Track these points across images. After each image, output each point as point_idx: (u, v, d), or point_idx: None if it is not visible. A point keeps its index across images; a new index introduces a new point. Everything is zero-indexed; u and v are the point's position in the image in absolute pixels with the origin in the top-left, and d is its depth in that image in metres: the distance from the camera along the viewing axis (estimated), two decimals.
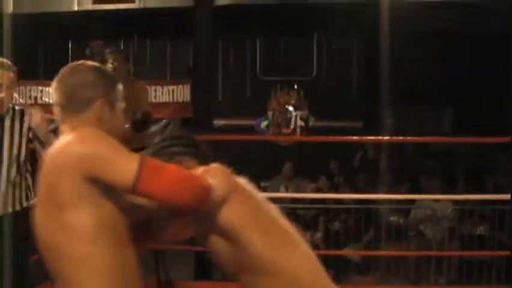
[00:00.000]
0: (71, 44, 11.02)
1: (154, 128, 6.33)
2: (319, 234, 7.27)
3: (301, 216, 7.32)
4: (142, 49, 10.94)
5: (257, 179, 7.93)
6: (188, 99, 8.76)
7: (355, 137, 6.99)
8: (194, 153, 2.24)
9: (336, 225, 7.33)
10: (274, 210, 2.22)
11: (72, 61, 2.13)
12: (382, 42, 8.33)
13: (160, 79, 9.62)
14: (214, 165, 2.14)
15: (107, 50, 5.01)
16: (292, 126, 8.94)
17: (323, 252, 6.28)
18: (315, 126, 9.02)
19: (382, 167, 7.97)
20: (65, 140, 1.94)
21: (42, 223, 1.92)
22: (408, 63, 9.79)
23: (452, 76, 9.72)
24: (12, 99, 3.63)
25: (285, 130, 8.91)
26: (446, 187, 7.46)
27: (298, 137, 8.86)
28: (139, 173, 1.85)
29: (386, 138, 8.11)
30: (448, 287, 6.70)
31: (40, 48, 11.14)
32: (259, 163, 8.11)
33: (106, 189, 1.89)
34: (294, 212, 7.23)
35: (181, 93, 8.86)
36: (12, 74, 3.54)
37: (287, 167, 8.14)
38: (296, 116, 9.02)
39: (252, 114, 9.28)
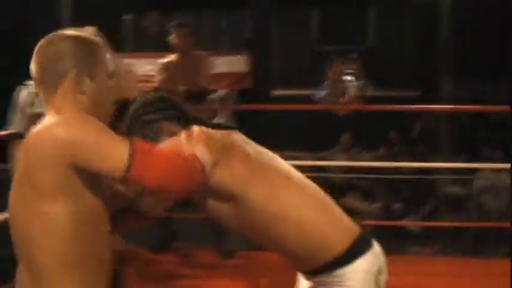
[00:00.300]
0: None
1: (216, 96, 6.40)
2: (377, 205, 7.27)
3: (359, 187, 7.33)
4: (199, 20, 10.98)
5: (315, 149, 7.97)
6: (246, 70, 8.79)
7: (413, 106, 6.91)
8: (172, 116, 2.14)
9: (395, 195, 7.32)
10: (270, 155, 2.16)
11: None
12: (440, 11, 8.19)
13: (217, 50, 9.67)
14: (196, 129, 2.07)
15: (172, 23, 5.08)
16: (349, 96, 8.90)
17: (382, 222, 6.29)
18: (372, 96, 8.97)
19: (441, 137, 7.90)
20: (48, 122, 1.74)
21: (17, 204, 1.77)
22: (466, 33, 9.62)
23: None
24: None
25: (342, 100, 8.89)
26: (507, 157, 7.36)
27: (355, 106, 8.83)
28: (130, 161, 1.69)
29: (445, 107, 8.00)
30: (508, 259, 6.63)
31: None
32: (317, 134, 8.12)
33: (90, 178, 1.74)
34: (351, 181, 7.24)
35: (239, 64, 8.89)
36: None
37: (345, 138, 8.13)
38: (353, 85, 8.97)
39: (310, 85, 9.27)
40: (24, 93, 3.65)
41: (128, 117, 2.14)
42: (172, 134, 2.09)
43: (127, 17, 11.08)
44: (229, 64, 8.89)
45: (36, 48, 1.82)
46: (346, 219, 2.12)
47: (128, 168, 1.69)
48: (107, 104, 1.87)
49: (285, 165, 2.16)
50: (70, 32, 1.85)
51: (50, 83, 1.80)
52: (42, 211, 1.72)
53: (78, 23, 2.19)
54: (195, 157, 1.85)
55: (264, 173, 2.06)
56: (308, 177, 2.17)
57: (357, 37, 10.85)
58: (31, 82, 3.62)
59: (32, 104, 3.51)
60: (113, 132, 1.74)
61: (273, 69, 9.84)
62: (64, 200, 1.72)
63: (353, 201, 7.15)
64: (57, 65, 1.79)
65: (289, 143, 7.85)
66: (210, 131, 2.10)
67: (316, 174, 7.67)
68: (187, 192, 1.82)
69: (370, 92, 9.01)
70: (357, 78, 9.01)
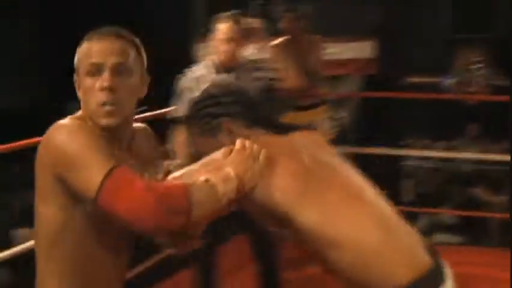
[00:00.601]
0: None
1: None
2: (505, 197, 7.11)
3: (487, 178, 7.18)
4: (327, 5, 10.94)
5: (441, 139, 7.87)
6: (371, 56, 8.73)
7: None
8: (237, 113, 1.93)
9: None
10: (336, 166, 1.90)
11: None
12: None
13: (342, 36, 9.63)
14: (238, 144, 1.81)
15: (282, 9, 5.13)
16: (477, 85, 8.70)
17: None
18: (503, 86, 8.72)
19: None
20: (56, 124, 1.71)
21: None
22: None
23: None
24: (240, 53, 3.79)
25: (470, 89, 8.70)
26: None
27: (484, 96, 8.62)
28: (102, 185, 1.59)
29: None
30: None
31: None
32: (443, 123, 8.01)
33: (72, 191, 1.67)
34: (479, 173, 7.10)
35: (364, 50, 8.84)
36: (238, 27, 3.73)
37: (472, 128, 7.98)
38: (482, 74, 8.76)
39: (438, 72, 9.12)
40: (185, 79, 3.82)
41: (190, 107, 2.02)
42: (231, 133, 1.91)
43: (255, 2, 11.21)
44: (356, 50, 8.85)
45: None
46: (416, 249, 1.85)
47: (98, 192, 1.60)
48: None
49: (354, 180, 1.91)
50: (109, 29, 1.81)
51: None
52: (38, 211, 1.76)
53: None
54: (183, 196, 1.64)
55: (319, 190, 1.81)
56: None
57: (487, 25, 10.55)
58: (192, 68, 3.80)
59: (190, 90, 3.67)
60: (103, 149, 1.64)
61: (402, 56, 9.73)
62: (49, 206, 1.72)
63: (481, 192, 7.03)
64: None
65: (417, 131, 7.79)
66: (266, 138, 1.91)
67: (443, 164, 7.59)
68: (164, 231, 1.67)
69: (500, 81, 8.76)
70: (486, 67, 8.78)
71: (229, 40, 3.71)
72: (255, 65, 3.92)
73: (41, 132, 1.77)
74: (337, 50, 8.77)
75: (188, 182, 1.70)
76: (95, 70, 1.72)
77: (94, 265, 1.78)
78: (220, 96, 1.94)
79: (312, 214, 1.77)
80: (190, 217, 1.63)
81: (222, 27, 3.72)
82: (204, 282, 3.81)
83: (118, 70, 1.72)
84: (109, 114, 1.73)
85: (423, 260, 1.82)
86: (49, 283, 1.77)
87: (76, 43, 1.79)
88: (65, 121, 1.72)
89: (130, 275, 3.36)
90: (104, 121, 1.73)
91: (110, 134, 1.75)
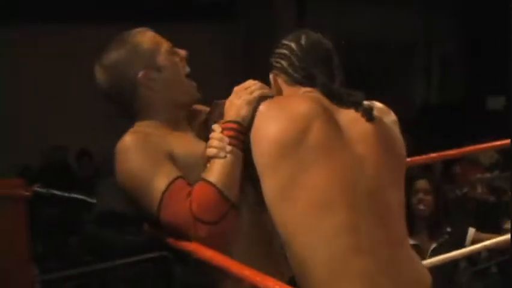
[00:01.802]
0: None
1: None
2: None
3: None
4: None
5: None
6: None
7: None
8: (288, 69, 1.82)
9: None
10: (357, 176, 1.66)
11: None
12: None
13: None
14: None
15: None
16: None
17: None
18: None
19: None
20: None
21: None
22: None
23: None
24: None
25: None
26: None
27: None
28: (161, 201, 1.72)
29: None
30: None
31: None
32: None
33: None
34: None
35: None
36: None
37: None
38: None
39: None
40: None
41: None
42: (279, 88, 1.87)
43: None
44: None
45: None
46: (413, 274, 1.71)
47: (159, 208, 1.71)
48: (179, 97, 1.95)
49: (376, 199, 1.68)
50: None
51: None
52: None
53: None
54: (217, 198, 1.71)
55: (328, 210, 1.62)
56: None
57: None
58: None
59: None
60: (161, 162, 1.75)
61: None
62: None
63: None
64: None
65: None
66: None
67: None
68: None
69: None
70: None
71: None
72: None
73: None
74: None
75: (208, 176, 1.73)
76: None
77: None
78: (281, 46, 1.85)
79: (309, 236, 1.64)
80: (208, 232, 1.69)
81: None
82: None
83: None
84: None
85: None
86: None
87: None
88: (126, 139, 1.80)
89: None
90: None
91: None
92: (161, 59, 1.90)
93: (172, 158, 1.78)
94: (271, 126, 1.68)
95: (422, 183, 3.90)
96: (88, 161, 7.34)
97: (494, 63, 6.38)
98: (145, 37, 1.92)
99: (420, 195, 3.87)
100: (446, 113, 9.70)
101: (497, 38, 5.64)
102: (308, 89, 1.80)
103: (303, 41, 1.82)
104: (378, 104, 1.83)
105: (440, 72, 10.80)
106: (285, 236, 1.64)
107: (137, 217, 1.85)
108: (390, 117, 1.83)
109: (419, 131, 7.41)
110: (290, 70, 1.82)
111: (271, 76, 1.87)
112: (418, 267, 1.76)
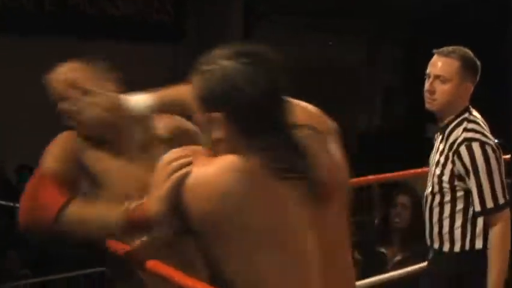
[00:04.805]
0: None
1: None
2: None
3: None
4: None
5: None
6: None
7: None
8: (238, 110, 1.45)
9: None
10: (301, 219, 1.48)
11: None
12: None
13: None
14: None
15: None
16: None
17: None
18: None
19: None
20: None
21: None
22: None
23: None
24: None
25: None
26: None
27: None
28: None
29: None
30: None
31: None
32: None
33: None
34: None
35: None
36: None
37: None
38: None
39: None
40: None
41: None
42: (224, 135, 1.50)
43: None
44: None
45: None
46: None
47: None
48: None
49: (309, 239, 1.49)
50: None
51: None
52: None
53: None
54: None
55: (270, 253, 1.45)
56: None
57: None
58: None
59: None
60: None
61: None
62: None
63: None
64: None
65: None
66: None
67: None
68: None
69: None
70: None
71: None
72: None
73: None
74: None
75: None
76: None
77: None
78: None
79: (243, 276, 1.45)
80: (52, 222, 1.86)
81: None
82: None
83: None
84: None
85: None
86: None
87: None
88: None
89: None
90: None
91: None
92: None
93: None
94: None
95: (402, 199, 4.06)
96: (29, 175, 7.24)
97: None
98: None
99: (398, 210, 4.03)
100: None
101: None
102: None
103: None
104: (311, 110, 1.63)
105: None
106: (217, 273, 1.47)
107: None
108: (325, 126, 1.60)
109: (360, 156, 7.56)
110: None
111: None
112: None
